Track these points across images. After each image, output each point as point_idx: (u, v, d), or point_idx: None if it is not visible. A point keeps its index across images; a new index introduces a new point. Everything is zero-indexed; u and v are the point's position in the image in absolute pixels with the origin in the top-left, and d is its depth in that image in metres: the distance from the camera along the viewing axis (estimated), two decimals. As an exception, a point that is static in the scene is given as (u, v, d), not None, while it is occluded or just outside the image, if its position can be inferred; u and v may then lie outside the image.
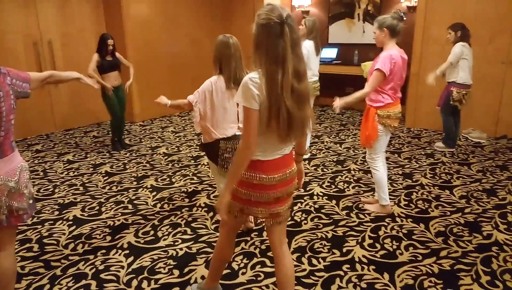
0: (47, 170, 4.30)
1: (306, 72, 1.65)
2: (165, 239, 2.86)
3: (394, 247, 2.73)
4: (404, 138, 5.39)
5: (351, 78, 6.63)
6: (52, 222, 3.15)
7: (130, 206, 3.42)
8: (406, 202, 3.42)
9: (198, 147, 5.00)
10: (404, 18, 2.92)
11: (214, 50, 2.69)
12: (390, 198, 3.25)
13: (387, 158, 3.41)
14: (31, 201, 1.91)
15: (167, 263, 2.57)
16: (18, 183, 1.82)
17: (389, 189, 3.43)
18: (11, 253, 1.96)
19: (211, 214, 3.23)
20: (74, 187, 3.84)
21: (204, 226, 3.05)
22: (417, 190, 3.67)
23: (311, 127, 1.72)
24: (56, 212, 3.32)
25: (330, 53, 6.99)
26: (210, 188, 3.76)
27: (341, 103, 2.82)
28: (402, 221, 3.10)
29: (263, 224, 1.94)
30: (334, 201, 3.45)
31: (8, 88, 1.74)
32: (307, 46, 4.20)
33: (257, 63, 1.58)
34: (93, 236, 2.93)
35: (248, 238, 2.83)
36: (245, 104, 1.57)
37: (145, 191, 3.74)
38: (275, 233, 1.88)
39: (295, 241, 2.81)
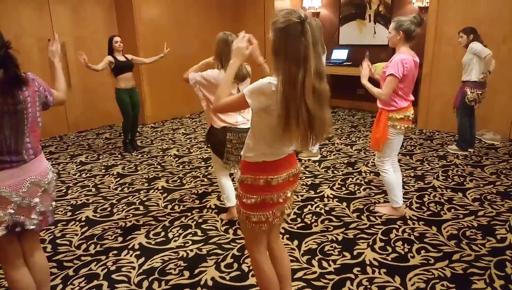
0: (60, 172, 4.36)
1: (325, 72, 1.60)
2: (175, 241, 2.88)
3: (406, 250, 2.71)
4: (416, 140, 5.34)
5: (362, 79, 6.58)
6: (65, 223, 3.20)
7: (141, 207, 3.45)
8: (418, 205, 3.38)
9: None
10: (423, 23, 2.86)
11: (215, 47, 2.83)
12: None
13: (398, 160, 3.37)
14: (53, 203, 1.93)
15: (178, 264, 2.58)
16: (49, 184, 1.84)
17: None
18: (42, 251, 2.04)
19: (221, 215, 3.24)
20: (87, 189, 3.89)
21: (214, 228, 3.05)
22: (429, 193, 3.63)
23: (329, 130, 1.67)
24: (69, 213, 3.36)
25: (340, 54, 6.95)
26: (220, 190, 3.77)
27: (364, 73, 2.96)
28: (413, 223, 3.07)
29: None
30: (344, 203, 3.43)
31: (35, 94, 1.77)
32: None
33: (276, 70, 1.55)
34: (105, 237, 2.96)
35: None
36: (246, 95, 1.56)
37: (156, 192, 3.77)
38: (274, 230, 1.91)
39: (305, 243, 2.80)
